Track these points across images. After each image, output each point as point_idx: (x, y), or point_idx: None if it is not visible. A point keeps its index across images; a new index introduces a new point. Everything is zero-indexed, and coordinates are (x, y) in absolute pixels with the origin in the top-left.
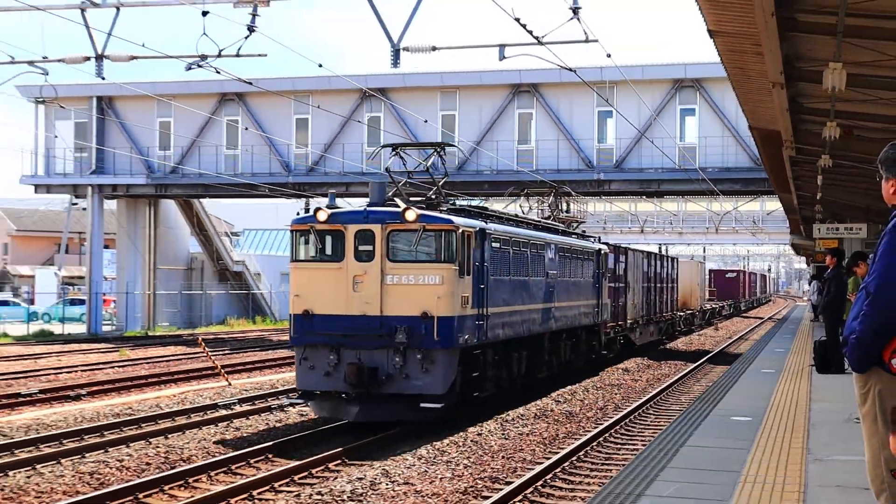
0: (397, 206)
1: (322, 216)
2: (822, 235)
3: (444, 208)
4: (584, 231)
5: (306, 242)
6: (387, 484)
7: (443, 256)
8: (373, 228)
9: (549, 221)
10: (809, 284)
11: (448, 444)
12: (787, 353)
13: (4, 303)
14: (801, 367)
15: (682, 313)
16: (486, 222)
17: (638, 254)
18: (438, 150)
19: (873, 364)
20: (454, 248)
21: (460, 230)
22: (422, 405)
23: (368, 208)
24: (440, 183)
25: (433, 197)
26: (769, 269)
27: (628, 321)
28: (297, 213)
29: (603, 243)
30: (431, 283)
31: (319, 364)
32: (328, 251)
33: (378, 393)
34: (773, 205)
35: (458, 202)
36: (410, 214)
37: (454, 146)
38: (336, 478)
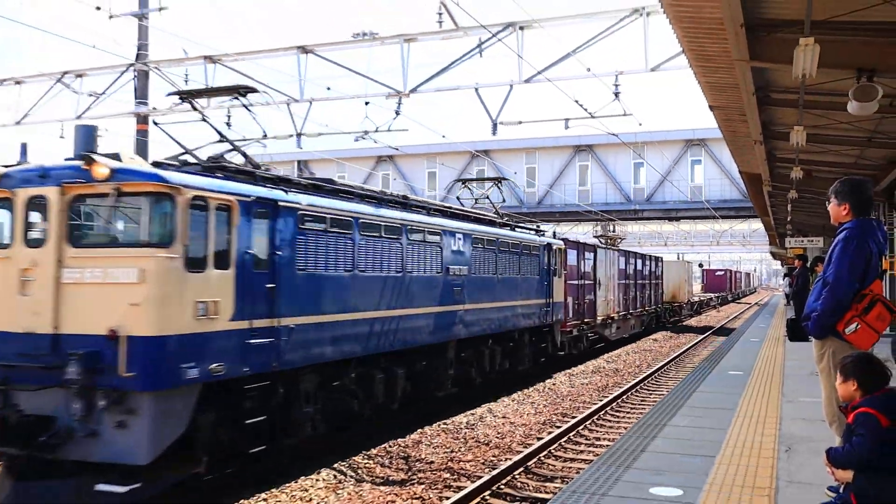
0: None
1: None
2: (791, 246)
3: (222, 166)
4: (574, 238)
5: None
6: (491, 418)
7: (147, 237)
8: (47, 193)
9: (460, 207)
10: (783, 280)
11: (532, 391)
12: (767, 327)
13: None
14: (777, 337)
15: (668, 306)
16: (286, 191)
17: (612, 252)
18: (239, 94)
19: (828, 333)
20: (173, 224)
21: (190, 195)
22: (97, 488)
23: (50, 165)
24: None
25: (219, 156)
26: (754, 269)
27: (598, 318)
28: None
29: (560, 239)
30: (125, 281)
31: None
32: None
33: (55, 459)
34: (757, 225)
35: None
36: (100, 169)
37: (257, 91)
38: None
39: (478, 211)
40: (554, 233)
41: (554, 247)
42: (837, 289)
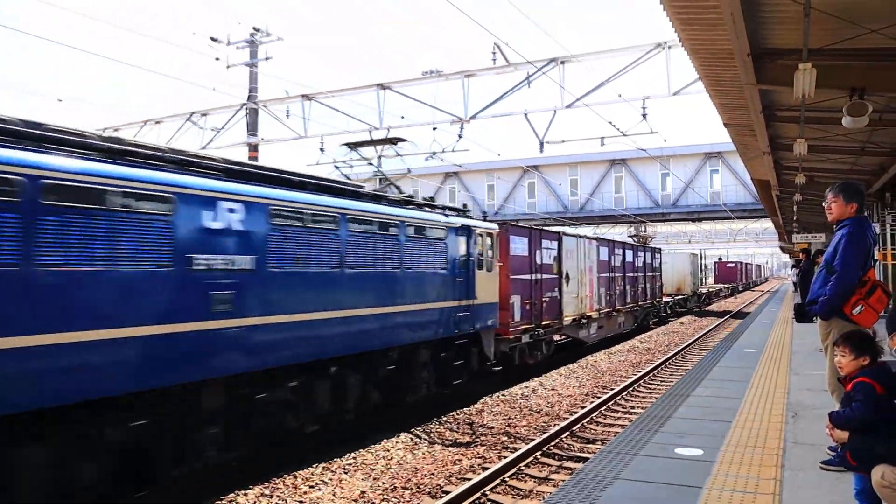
0: None
1: None
2: (798, 241)
3: None
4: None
5: None
6: (542, 390)
7: None
8: None
9: (256, 164)
10: (791, 270)
11: (576, 367)
12: (778, 311)
13: None
14: (786, 319)
15: (669, 299)
16: None
17: (586, 242)
18: None
19: (834, 314)
20: None
21: None
22: None
23: None
24: None
25: None
26: (766, 262)
27: (566, 318)
28: None
29: (497, 222)
30: None
31: None
32: None
33: None
34: (768, 224)
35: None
36: None
37: None
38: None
39: (308, 174)
40: (484, 215)
41: (478, 231)
42: (845, 276)
